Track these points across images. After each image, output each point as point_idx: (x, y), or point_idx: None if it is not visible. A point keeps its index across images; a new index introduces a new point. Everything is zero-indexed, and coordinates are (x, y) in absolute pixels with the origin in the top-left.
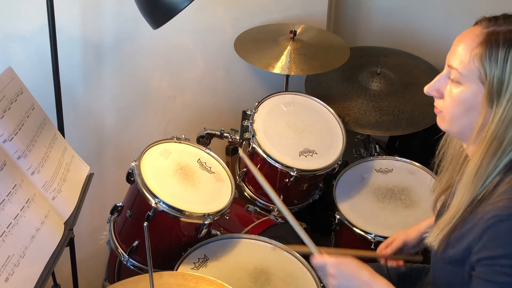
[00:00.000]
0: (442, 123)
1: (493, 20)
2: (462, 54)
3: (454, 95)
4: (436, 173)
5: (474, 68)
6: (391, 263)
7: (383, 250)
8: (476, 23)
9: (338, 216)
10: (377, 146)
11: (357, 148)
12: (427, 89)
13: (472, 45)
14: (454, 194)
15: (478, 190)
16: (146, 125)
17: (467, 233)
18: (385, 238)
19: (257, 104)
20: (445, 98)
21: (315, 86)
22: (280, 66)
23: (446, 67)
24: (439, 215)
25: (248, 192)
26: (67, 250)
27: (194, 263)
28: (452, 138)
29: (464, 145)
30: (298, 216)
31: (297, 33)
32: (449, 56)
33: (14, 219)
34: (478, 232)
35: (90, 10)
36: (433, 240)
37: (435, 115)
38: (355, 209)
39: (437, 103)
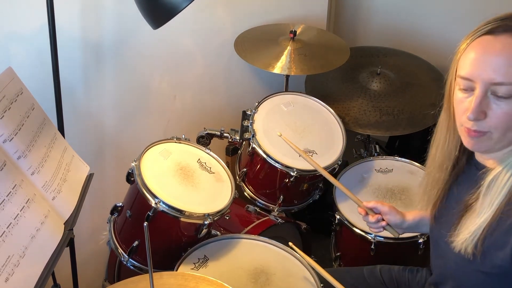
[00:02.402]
0: (484, 144)
1: None
2: (508, 67)
3: (508, 109)
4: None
5: None
6: (372, 218)
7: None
8: (493, 33)
9: (338, 216)
10: (377, 146)
11: (357, 148)
12: (474, 114)
13: None
14: (481, 196)
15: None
16: (146, 125)
17: (506, 236)
18: (385, 238)
19: (257, 104)
20: (495, 116)
21: (315, 86)
22: (280, 66)
23: (483, 87)
24: (452, 212)
25: (248, 192)
26: (67, 250)
27: (194, 263)
28: (449, 140)
29: (486, 157)
30: (298, 216)
31: (297, 33)
32: (487, 76)
33: (14, 219)
34: None
35: (90, 10)
36: (465, 245)
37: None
38: (355, 209)
39: (480, 126)
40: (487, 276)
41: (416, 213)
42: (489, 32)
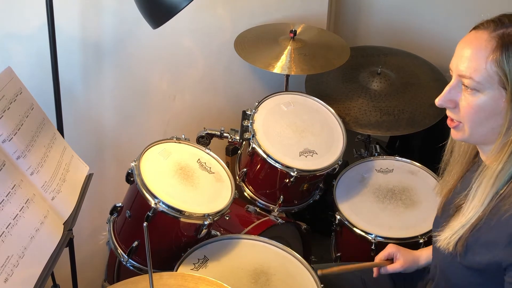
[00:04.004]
0: (459, 134)
1: (497, 22)
2: (475, 62)
3: (473, 103)
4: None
5: (492, 73)
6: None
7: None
8: (478, 27)
9: (338, 217)
10: (377, 146)
11: (358, 148)
12: (440, 101)
13: (485, 51)
14: (470, 196)
15: (498, 189)
16: (146, 125)
17: (488, 236)
18: (386, 238)
19: (257, 104)
20: (462, 107)
21: (315, 86)
22: (280, 66)
23: (455, 77)
24: (445, 214)
25: (248, 192)
26: (66, 250)
27: (194, 263)
28: (458, 142)
29: (481, 152)
30: (298, 216)
31: (297, 32)
32: (456, 66)
33: (14, 219)
34: (504, 235)
35: (90, 10)
36: (447, 243)
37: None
38: (356, 210)
39: (452, 115)
40: (469, 270)
41: (430, 251)
42: (475, 27)
